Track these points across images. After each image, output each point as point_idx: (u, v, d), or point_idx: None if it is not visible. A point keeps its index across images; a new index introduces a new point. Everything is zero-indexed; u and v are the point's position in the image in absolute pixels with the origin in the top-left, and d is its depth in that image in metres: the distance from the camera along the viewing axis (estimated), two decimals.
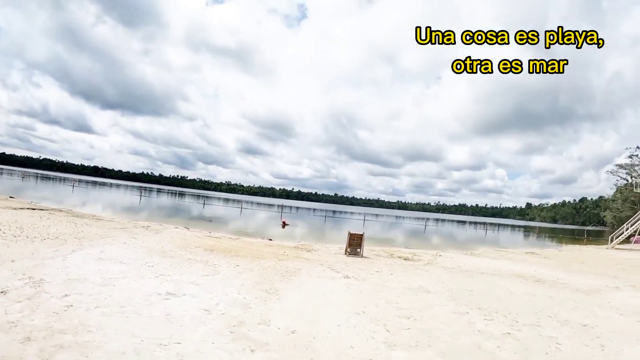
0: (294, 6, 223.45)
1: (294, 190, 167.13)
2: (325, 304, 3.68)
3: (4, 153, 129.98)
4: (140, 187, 54.93)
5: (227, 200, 47.91)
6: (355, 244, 7.80)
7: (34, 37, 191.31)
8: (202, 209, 23.51)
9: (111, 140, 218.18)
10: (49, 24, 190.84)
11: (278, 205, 42.94)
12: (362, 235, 7.82)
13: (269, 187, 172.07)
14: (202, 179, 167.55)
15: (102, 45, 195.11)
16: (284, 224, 16.16)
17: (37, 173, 70.12)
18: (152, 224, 10.58)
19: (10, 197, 14.93)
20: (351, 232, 7.82)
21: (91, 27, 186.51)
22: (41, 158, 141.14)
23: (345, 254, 7.80)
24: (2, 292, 3.15)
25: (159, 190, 56.40)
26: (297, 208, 43.70)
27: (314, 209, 40.78)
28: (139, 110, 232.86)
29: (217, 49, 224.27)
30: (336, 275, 5.36)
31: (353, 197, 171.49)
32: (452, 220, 55.57)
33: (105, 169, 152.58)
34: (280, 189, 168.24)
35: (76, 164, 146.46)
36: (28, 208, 10.70)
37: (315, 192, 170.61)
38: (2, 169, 68.98)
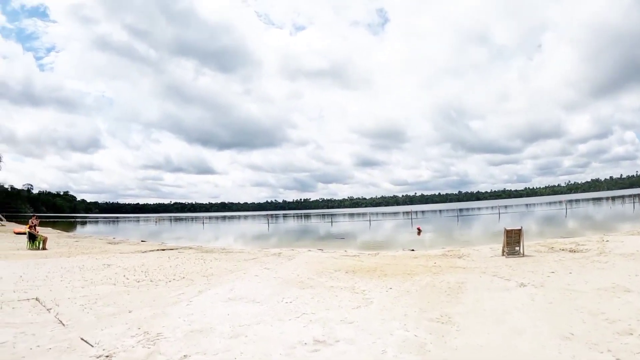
0: (373, 13, 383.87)
1: (417, 195, 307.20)
2: (518, 328, 5.29)
3: (138, 203, 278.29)
4: (267, 215, 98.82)
5: (352, 215, 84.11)
6: (513, 241, 12.28)
7: (144, 100, 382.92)
8: (331, 227, 41.71)
9: (233, 177, 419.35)
10: (155, 86, 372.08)
11: (404, 213, 76.17)
12: (520, 230, 12.36)
13: (391, 195, 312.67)
14: (325, 199, 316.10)
15: (206, 94, 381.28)
16: (419, 231, 27.53)
17: (169, 216, 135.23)
18: (283, 249, 17.23)
19: (142, 241, 27.38)
20: (507, 228, 12.45)
21: (193, 80, 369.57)
22: (172, 203, 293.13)
23: (503, 254, 12.31)
24: (107, 356, 4.55)
25: (284, 216, 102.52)
26: (423, 212, 73.65)
27: (440, 211, 75.56)
28: (253, 145, 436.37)
29: (312, 72, 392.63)
30: (508, 284, 8.06)
31: (478, 191, 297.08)
32: (589, 199, 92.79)
33: (232, 203, 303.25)
34: (402, 195, 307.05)
35: (204, 203, 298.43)
36: (157, 249, 18.54)
37: (439, 193, 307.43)
38: (138, 217, 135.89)
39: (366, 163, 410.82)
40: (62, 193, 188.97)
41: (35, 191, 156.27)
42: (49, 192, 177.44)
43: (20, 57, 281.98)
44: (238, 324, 5.63)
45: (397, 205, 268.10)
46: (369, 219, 54.58)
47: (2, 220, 52.52)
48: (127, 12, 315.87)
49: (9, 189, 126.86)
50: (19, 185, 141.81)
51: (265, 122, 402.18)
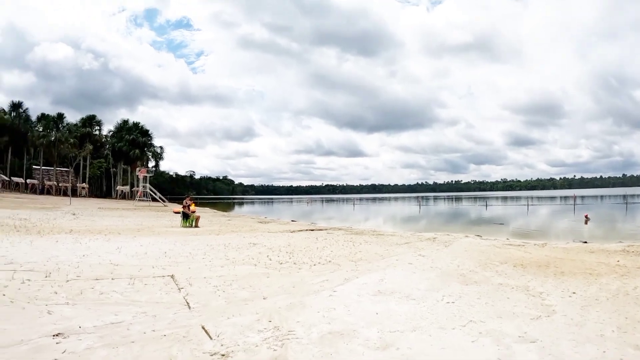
0: None
1: (576, 178, 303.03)
2: None
3: (291, 186, 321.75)
4: (417, 197, 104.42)
5: (506, 198, 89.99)
6: None
7: (292, 90, 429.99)
8: (485, 211, 42.41)
9: (383, 159, 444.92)
10: (300, 76, 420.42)
11: (562, 197, 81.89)
12: None
13: (548, 178, 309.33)
14: (477, 180, 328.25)
15: (351, 79, 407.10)
16: (587, 219, 27.27)
17: (321, 198, 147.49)
18: (438, 234, 16.55)
19: (292, 220, 28.27)
20: None
21: (337, 67, 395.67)
22: (323, 185, 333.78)
23: None
24: (223, 355, 3.88)
25: (435, 198, 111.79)
26: (582, 197, 74.98)
27: (602, 197, 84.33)
28: (402, 126, 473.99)
29: (456, 47, 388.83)
30: None
31: None
32: None
33: (382, 185, 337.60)
34: (560, 178, 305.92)
35: (355, 184, 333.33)
36: (306, 230, 18.74)
37: (600, 176, 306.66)
38: (291, 198, 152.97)
39: (520, 142, 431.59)
40: (221, 178, 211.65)
41: (197, 177, 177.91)
42: (209, 177, 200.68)
43: (174, 64, 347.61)
44: (388, 328, 4.69)
45: (554, 189, 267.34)
46: (526, 203, 55.69)
47: (164, 201, 59.77)
48: (265, 11, 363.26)
49: (174, 176, 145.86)
50: (182, 172, 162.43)
51: (413, 102, 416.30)
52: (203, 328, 4.49)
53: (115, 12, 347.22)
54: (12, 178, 72.62)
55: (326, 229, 18.71)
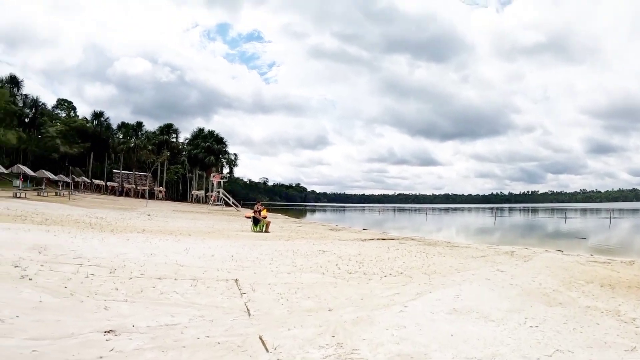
0: None
1: None
2: None
3: (363, 194, 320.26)
4: (492, 207, 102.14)
5: (585, 211, 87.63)
6: None
7: (363, 98, 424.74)
8: (564, 224, 40.44)
9: (456, 168, 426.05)
10: (372, 84, 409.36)
11: None
12: None
13: (630, 188, 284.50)
14: (554, 191, 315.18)
15: (423, 85, 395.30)
16: None
17: (393, 207, 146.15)
18: (516, 248, 15.90)
19: (364, 229, 27.71)
20: None
21: (408, 74, 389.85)
22: (396, 194, 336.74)
23: None
24: None
25: (510, 209, 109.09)
26: None
27: None
28: (476, 134, 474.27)
29: (529, 49, 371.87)
30: None
31: None
32: None
33: (456, 195, 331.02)
34: None
35: (427, 194, 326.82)
36: (378, 239, 18.22)
37: None
38: (363, 206, 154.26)
39: (600, 149, 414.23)
40: (294, 185, 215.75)
41: (270, 183, 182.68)
42: (282, 184, 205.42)
43: (247, 75, 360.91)
44: (465, 354, 4.16)
45: (638, 200, 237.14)
46: (608, 216, 52.37)
47: (237, 206, 61.32)
48: (333, 21, 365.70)
49: (248, 182, 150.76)
50: (256, 179, 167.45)
51: (487, 108, 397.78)
52: (260, 338, 4.15)
53: (189, 27, 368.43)
54: (93, 180, 79.82)
55: (398, 239, 18.22)
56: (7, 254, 8.18)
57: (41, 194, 43.09)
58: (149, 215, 27.72)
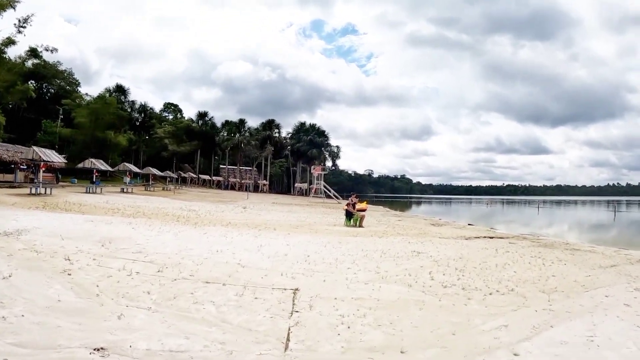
0: None
1: None
2: None
3: (470, 185, 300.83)
4: (609, 200, 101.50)
5: None
6: None
7: (467, 84, 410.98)
8: None
9: (569, 156, 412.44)
10: (475, 69, 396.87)
11: None
12: None
13: None
14: None
15: (529, 67, 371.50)
16: None
17: (501, 199, 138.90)
18: None
19: (469, 224, 25.17)
20: None
21: (512, 55, 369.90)
22: (504, 185, 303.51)
23: None
24: None
25: (628, 202, 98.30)
26: None
27: None
28: (590, 118, 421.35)
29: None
30: None
31: None
32: None
33: (568, 186, 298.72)
34: None
35: (538, 185, 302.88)
36: (484, 237, 15.97)
37: None
38: (470, 198, 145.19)
39: None
40: (399, 176, 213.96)
41: (375, 175, 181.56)
42: (388, 176, 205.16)
43: (346, 69, 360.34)
44: None
45: None
46: None
47: (338, 199, 60.88)
48: (428, 7, 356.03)
49: (353, 174, 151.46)
50: (361, 171, 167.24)
51: (599, 89, 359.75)
52: None
53: (284, 27, 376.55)
54: (200, 175, 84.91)
55: (508, 237, 15.86)
56: (70, 247, 8.15)
57: (148, 189, 45.92)
58: (244, 207, 27.58)
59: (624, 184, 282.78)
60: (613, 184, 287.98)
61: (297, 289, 6.05)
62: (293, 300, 5.50)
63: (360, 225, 17.54)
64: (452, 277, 7.46)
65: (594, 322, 5.17)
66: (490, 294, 6.41)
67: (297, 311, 5.08)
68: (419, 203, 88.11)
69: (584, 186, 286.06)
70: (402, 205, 67.72)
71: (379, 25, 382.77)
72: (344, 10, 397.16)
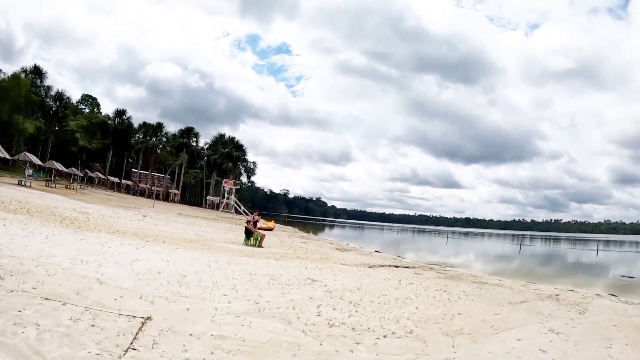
0: None
1: None
2: None
3: (384, 213, 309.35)
4: (514, 234, 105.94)
5: (613, 242, 79.60)
6: None
7: (389, 116, 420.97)
8: (596, 257, 37.09)
9: (479, 192, 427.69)
10: (399, 102, 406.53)
11: None
12: None
13: None
14: (578, 221, 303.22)
15: (450, 107, 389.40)
16: None
17: (413, 227, 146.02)
18: (558, 288, 13.13)
19: (376, 251, 24.41)
20: None
21: (436, 94, 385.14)
22: (416, 215, 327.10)
23: None
24: None
25: (532, 237, 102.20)
26: None
27: None
28: (501, 158, 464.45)
29: (558, 74, 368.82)
30: None
31: None
32: None
33: (477, 219, 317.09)
34: None
35: (448, 217, 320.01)
36: (389, 265, 15.36)
37: None
38: (383, 225, 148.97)
39: (626, 180, 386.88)
40: (314, 199, 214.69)
41: (290, 195, 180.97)
42: (303, 197, 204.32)
43: (274, 87, 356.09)
44: None
45: None
46: None
47: (248, 215, 59.11)
48: (363, 39, 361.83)
49: (268, 192, 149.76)
50: (277, 190, 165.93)
51: (513, 133, 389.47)
52: None
53: (220, 36, 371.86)
54: (110, 177, 78.63)
55: (414, 267, 15.33)
56: None
57: (49, 185, 41.65)
58: (144, 215, 25.39)
59: (528, 220, 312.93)
60: (518, 219, 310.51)
61: (149, 318, 4.78)
62: (137, 333, 4.24)
63: (260, 246, 16.25)
64: (343, 314, 6.43)
65: None
66: (385, 336, 5.44)
67: (134, 348, 3.86)
68: (332, 226, 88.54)
69: (491, 220, 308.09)
70: (314, 227, 67.51)
71: (314, 49, 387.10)
72: (282, 28, 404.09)
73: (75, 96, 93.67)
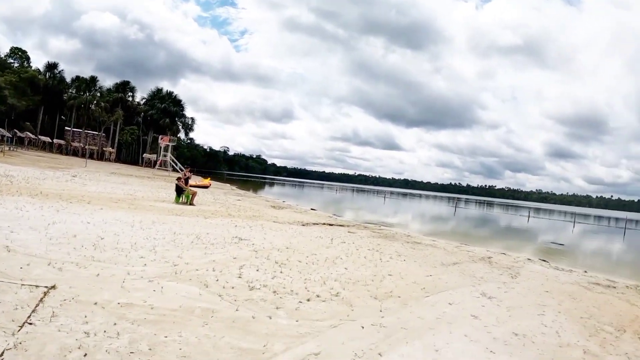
0: None
1: (613, 198, 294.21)
2: None
3: (324, 171, 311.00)
4: (450, 197, 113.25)
5: (546, 211, 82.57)
6: None
7: (334, 76, 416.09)
8: (528, 224, 38.64)
9: (419, 155, 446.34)
10: (344, 63, 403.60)
11: (610, 218, 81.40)
12: None
13: (584, 195, 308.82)
14: (511, 188, 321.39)
15: (395, 71, 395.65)
16: None
17: (352, 187, 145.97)
18: (491, 252, 13.32)
19: (312, 209, 24.36)
20: None
21: (382, 57, 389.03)
22: (356, 174, 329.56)
23: None
24: None
25: (467, 200, 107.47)
26: (617, 219, 74.51)
27: (638, 221, 74.31)
28: (442, 124, 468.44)
29: (505, 49, 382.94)
30: None
31: None
32: None
33: (415, 181, 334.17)
34: (597, 197, 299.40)
35: (387, 177, 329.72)
36: (323, 223, 15.19)
37: (639, 200, 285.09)
38: (322, 184, 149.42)
39: (560, 154, 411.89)
40: (254, 156, 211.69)
41: (231, 153, 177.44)
42: (243, 155, 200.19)
43: (217, 40, 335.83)
44: None
45: (590, 207, 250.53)
46: (572, 220, 51.39)
47: (183, 170, 57.52)
48: None
49: (208, 150, 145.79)
50: (217, 147, 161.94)
51: (455, 101, 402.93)
52: None
53: None
54: (41, 137, 72.52)
55: (348, 226, 15.25)
56: None
57: None
58: (74, 176, 23.89)
59: (464, 184, 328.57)
60: (455, 183, 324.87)
61: (53, 287, 4.35)
62: (36, 305, 3.79)
63: (191, 204, 15.73)
64: (267, 275, 6.16)
65: (436, 345, 4.22)
66: (308, 300, 5.20)
67: (30, 323, 3.43)
68: (272, 184, 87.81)
69: (429, 182, 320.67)
70: (254, 185, 66.59)
71: (260, 3, 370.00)
72: None
73: (3, 49, 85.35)
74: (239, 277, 5.81)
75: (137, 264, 5.79)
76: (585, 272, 11.44)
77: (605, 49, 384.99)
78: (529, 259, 12.31)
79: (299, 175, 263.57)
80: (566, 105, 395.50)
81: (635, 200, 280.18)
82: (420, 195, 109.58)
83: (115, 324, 3.69)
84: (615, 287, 9.34)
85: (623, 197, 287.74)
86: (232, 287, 5.26)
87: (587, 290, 8.33)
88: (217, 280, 5.46)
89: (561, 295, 7.53)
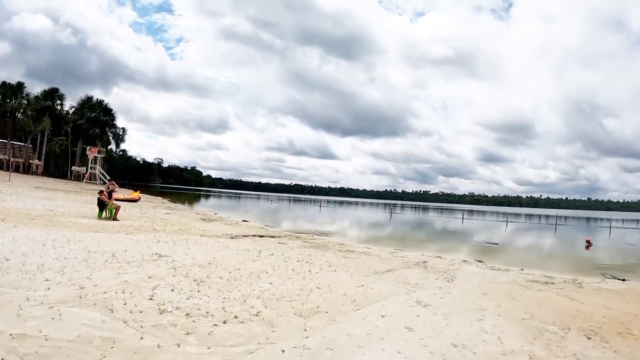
0: None
1: (542, 197, 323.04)
2: None
3: (260, 182, 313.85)
4: (386, 203, 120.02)
5: (479, 212, 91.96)
6: None
7: (269, 86, 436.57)
8: (462, 226, 39.96)
9: (354, 163, 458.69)
10: (280, 73, 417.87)
11: (541, 216, 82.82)
12: None
13: (515, 195, 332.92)
14: (445, 192, 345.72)
15: (330, 81, 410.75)
16: (589, 244, 24.77)
17: (289, 197, 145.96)
18: (426, 256, 13.39)
19: (244, 220, 23.94)
20: None
21: (318, 68, 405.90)
22: (292, 184, 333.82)
23: None
24: None
25: (402, 206, 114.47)
26: (547, 217, 76.74)
27: (572, 218, 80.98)
28: (375, 133, 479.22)
29: (436, 60, 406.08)
30: None
31: (609, 200, 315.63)
32: None
33: (351, 189, 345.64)
34: (527, 197, 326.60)
35: (324, 186, 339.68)
36: (254, 235, 14.94)
37: (566, 198, 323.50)
38: (259, 194, 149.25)
39: (490, 158, 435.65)
40: (189, 168, 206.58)
41: (165, 165, 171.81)
42: (178, 166, 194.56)
43: (152, 48, 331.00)
44: None
45: (520, 206, 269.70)
46: (505, 219, 54.73)
47: (115, 186, 54.71)
48: (250, 4, 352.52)
49: (141, 162, 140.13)
50: (150, 159, 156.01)
51: (389, 110, 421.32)
52: None
53: None
54: None
55: (280, 236, 15.05)
56: None
57: None
58: None
59: (399, 190, 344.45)
60: (390, 190, 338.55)
61: None
62: None
63: (115, 219, 14.97)
64: (182, 295, 5.77)
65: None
66: (224, 322, 4.86)
67: None
68: (207, 196, 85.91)
69: (365, 190, 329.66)
70: (188, 197, 64.68)
71: (197, 10, 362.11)
72: None
73: None
74: (150, 299, 5.40)
75: (39, 288, 5.30)
76: (522, 270, 11.71)
77: (532, 58, 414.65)
78: (464, 261, 12.52)
79: (235, 186, 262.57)
80: (495, 112, 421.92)
81: (563, 198, 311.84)
82: (356, 203, 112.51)
83: (2, 359, 3.28)
84: (553, 283, 9.60)
85: (552, 196, 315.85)
86: (140, 312, 4.85)
87: (526, 289, 8.51)
88: (125, 303, 5.04)
89: (500, 296, 7.59)
